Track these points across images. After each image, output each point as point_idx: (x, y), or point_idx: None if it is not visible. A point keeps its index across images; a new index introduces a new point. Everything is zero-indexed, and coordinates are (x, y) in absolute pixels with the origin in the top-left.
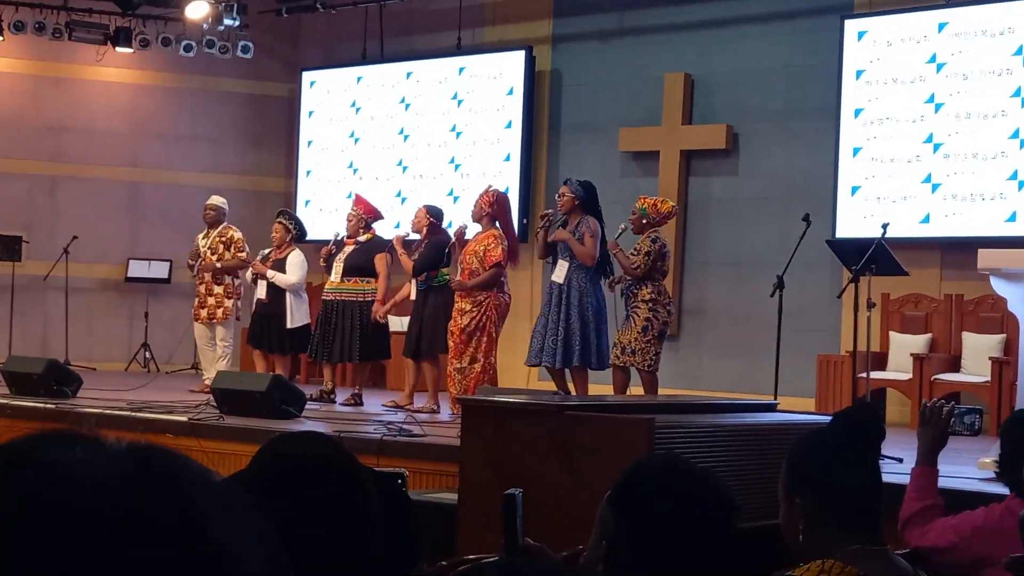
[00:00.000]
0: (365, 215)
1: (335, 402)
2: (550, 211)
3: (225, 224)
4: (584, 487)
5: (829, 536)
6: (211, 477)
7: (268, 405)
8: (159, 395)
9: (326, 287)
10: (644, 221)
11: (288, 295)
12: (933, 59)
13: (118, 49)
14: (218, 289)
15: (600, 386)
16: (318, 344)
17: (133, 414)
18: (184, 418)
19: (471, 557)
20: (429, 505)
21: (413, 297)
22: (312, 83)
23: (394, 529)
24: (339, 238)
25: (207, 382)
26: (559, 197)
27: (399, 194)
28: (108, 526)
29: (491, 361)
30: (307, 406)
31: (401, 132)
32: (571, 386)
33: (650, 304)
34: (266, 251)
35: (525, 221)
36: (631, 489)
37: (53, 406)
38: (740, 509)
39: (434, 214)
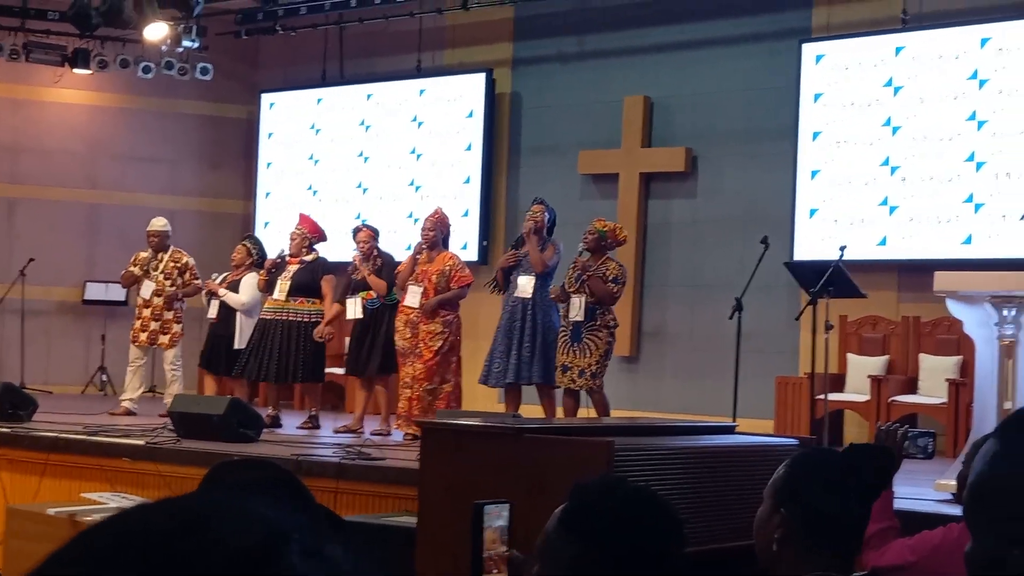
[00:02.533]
0: (310, 235)
1: (315, 424)
2: (520, 252)
3: (173, 248)
4: (544, 510)
5: (802, 554)
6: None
7: (226, 428)
8: (116, 419)
9: (267, 306)
10: (601, 243)
11: (238, 316)
12: (890, 83)
13: (76, 70)
14: (168, 315)
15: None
16: (248, 361)
17: (89, 438)
18: (141, 442)
19: None
20: (388, 528)
21: (359, 316)
22: (271, 105)
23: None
24: (283, 255)
25: (126, 405)
26: (531, 214)
27: (359, 215)
28: None
29: (459, 380)
30: (284, 432)
31: (361, 154)
32: (536, 408)
33: (611, 330)
34: (220, 274)
35: (485, 243)
36: (583, 517)
37: (8, 430)
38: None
39: (376, 235)
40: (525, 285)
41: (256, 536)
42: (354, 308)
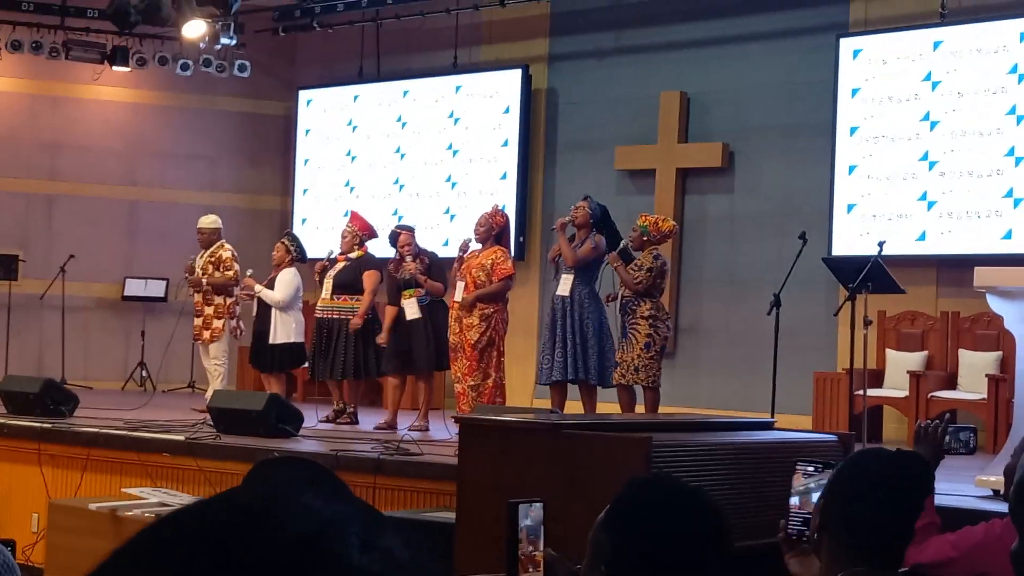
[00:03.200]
0: (361, 232)
1: (354, 420)
2: (567, 219)
3: (219, 243)
4: (582, 506)
5: (838, 548)
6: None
7: (265, 424)
8: (156, 414)
9: (318, 304)
10: (645, 239)
11: (274, 312)
12: (928, 77)
13: (115, 68)
14: (208, 310)
15: (603, 404)
16: (315, 362)
17: (130, 433)
18: (181, 437)
19: None
20: (426, 524)
21: (418, 315)
22: (309, 102)
23: None
24: (332, 255)
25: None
26: (575, 208)
27: (396, 212)
28: None
29: (501, 376)
30: (318, 426)
31: (397, 150)
32: (579, 404)
33: (650, 320)
34: (251, 270)
35: (521, 239)
36: (626, 513)
37: (50, 425)
38: (731, 527)
39: (413, 233)
40: (564, 284)
41: (314, 524)
42: (411, 309)
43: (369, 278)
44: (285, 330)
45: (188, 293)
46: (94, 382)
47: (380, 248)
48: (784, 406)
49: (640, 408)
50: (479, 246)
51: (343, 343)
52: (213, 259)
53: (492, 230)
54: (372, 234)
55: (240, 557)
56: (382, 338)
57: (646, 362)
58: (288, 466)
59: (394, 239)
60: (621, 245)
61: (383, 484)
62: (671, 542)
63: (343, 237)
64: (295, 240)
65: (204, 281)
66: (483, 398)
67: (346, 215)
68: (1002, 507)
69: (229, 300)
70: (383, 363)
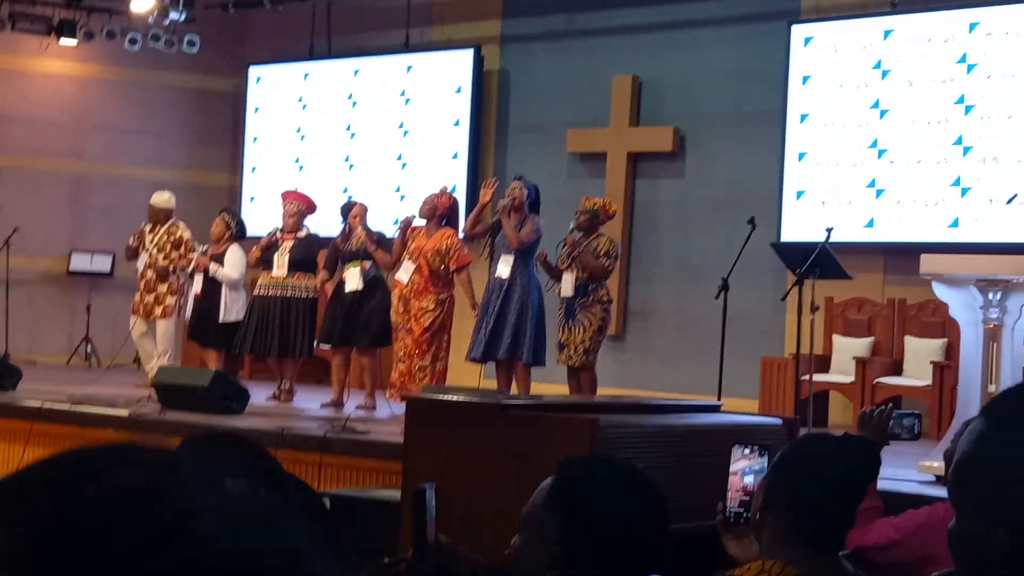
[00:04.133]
0: (307, 209)
1: (291, 398)
2: (506, 201)
3: (173, 221)
4: (528, 486)
5: (781, 531)
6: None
7: (211, 400)
8: (100, 389)
9: (262, 282)
10: (594, 221)
11: (224, 289)
12: (878, 65)
13: (62, 41)
14: (161, 287)
15: (547, 386)
16: (253, 339)
17: (74, 408)
18: (125, 412)
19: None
20: (372, 502)
21: (359, 287)
22: (258, 79)
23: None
24: (274, 234)
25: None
26: (510, 191)
27: (345, 190)
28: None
29: (447, 358)
30: (265, 404)
31: (348, 128)
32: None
33: (605, 305)
34: (203, 247)
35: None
36: (572, 491)
37: None
38: (669, 505)
39: (365, 211)
40: (504, 265)
41: (144, 476)
42: (353, 279)
43: (323, 256)
44: (235, 308)
45: (137, 266)
46: (38, 356)
47: (318, 225)
48: (731, 390)
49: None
50: (423, 222)
51: (298, 320)
52: (172, 238)
53: (436, 210)
54: (312, 208)
55: (63, 507)
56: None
57: (596, 345)
58: (215, 442)
59: (346, 210)
60: (572, 230)
61: (329, 462)
62: (618, 521)
63: (288, 216)
64: (235, 215)
65: (170, 267)
66: (429, 379)
67: (251, 199)
68: (944, 492)
69: (182, 278)
70: (321, 334)
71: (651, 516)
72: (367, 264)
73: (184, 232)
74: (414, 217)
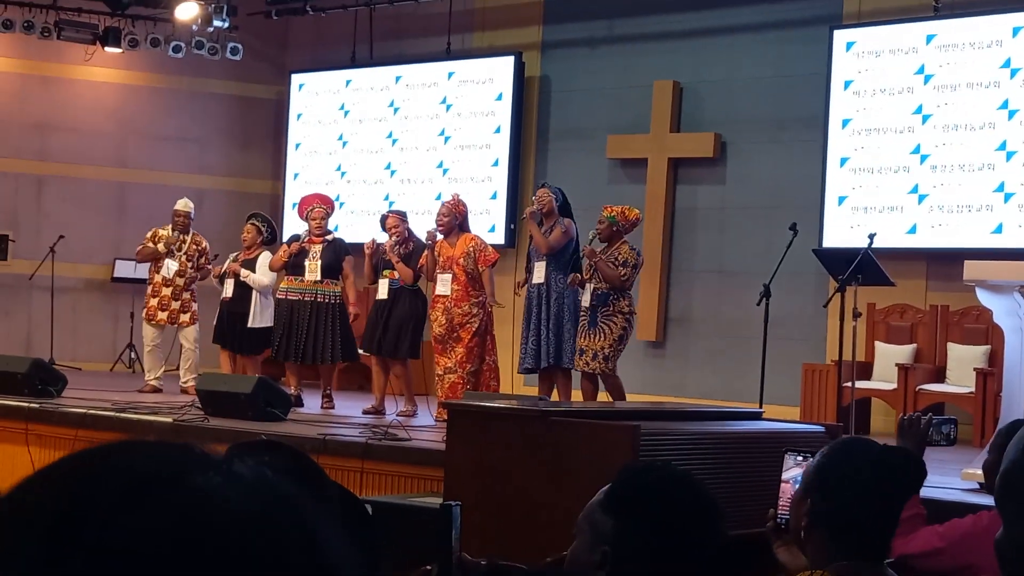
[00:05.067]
0: (331, 210)
1: (332, 404)
2: (536, 208)
3: (194, 231)
4: (568, 492)
5: (828, 543)
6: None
7: (254, 407)
8: (144, 396)
9: (290, 287)
10: (614, 229)
11: (255, 295)
12: (921, 70)
13: (107, 49)
14: (186, 294)
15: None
16: (284, 344)
17: (118, 414)
18: (169, 419)
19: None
20: (413, 509)
21: (385, 296)
22: (301, 86)
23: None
24: (300, 239)
25: (153, 383)
26: (538, 198)
27: (387, 197)
28: (247, 561)
29: (495, 359)
30: (306, 410)
31: (389, 136)
32: (555, 392)
33: (627, 316)
34: (235, 253)
35: (512, 226)
36: (629, 495)
37: (37, 405)
38: (725, 515)
39: (404, 217)
40: (538, 271)
41: (161, 463)
42: (383, 288)
43: (349, 264)
44: (265, 314)
45: (162, 279)
46: (83, 363)
47: (359, 234)
48: (772, 397)
49: (603, 396)
50: (440, 236)
51: (330, 326)
52: (199, 248)
53: (456, 219)
54: (334, 208)
55: (88, 492)
56: (352, 312)
57: (615, 352)
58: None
59: (383, 221)
60: (592, 240)
61: (371, 469)
62: (672, 526)
63: (315, 219)
64: (265, 220)
65: (199, 276)
66: (482, 382)
67: (339, 201)
68: (988, 500)
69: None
70: (363, 341)
71: (704, 523)
72: (395, 273)
73: (206, 243)
74: (436, 231)
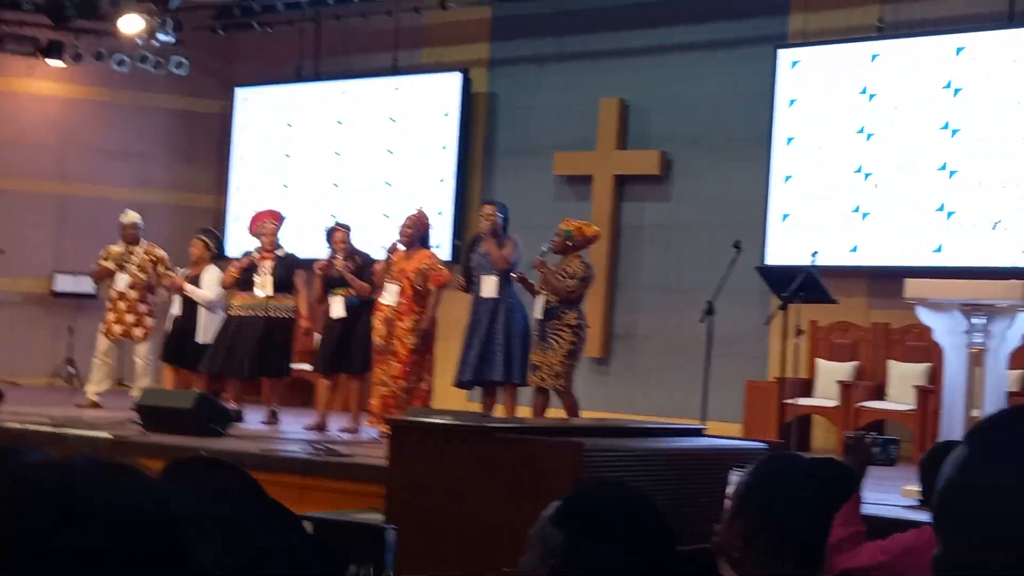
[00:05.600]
0: (279, 224)
1: (277, 420)
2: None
3: (146, 242)
4: (513, 508)
5: (766, 560)
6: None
7: (195, 422)
8: (82, 411)
9: (242, 303)
10: (568, 243)
11: (201, 311)
12: (865, 90)
13: (50, 62)
14: (142, 307)
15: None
16: (223, 359)
17: (56, 430)
18: (108, 435)
19: None
20: (355, 525)
21: (342, 315)
22: (245, 100)
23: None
24: (250, 255)
25: (93, 398)
26: (485, 216)
27: (332, 212)
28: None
29: (431, 380)
30: (248, 427)
31: (335, 150)
32: (500, 407)
33: (575, 329)
34: (183, 269)
35: (458, 243)
36: (581, 510)
37: None
38: (676, 533)
39: (349, 232)
40: (489, 285)
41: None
42: (337, 307)
43: (300, 278)
44: (212, 328)
45: (114, 291)
46: (21, 378)
47: (304, 248)
48: (716, 413)
49: (557, 412)
50: (402, 248)
51: (278, 340)
52: (152, 258)
53: (419, 231)
54: (282, 221)
55: None
56: (305, 326)
57: (567, 368)
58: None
59: (330, 235)
60: (543, 250)
61: (312, 485)
62: (623, 542)
63: (265, 234)
64: (213, 235)
65: (154, 285)
66: (417, 401)
67: (235, 219)
68: (927, 516)
69: (155, 299)
70: (316, 363)
71: (654, 540)
72: (351, 291)
73: (160, 251)
74: (396, 243)
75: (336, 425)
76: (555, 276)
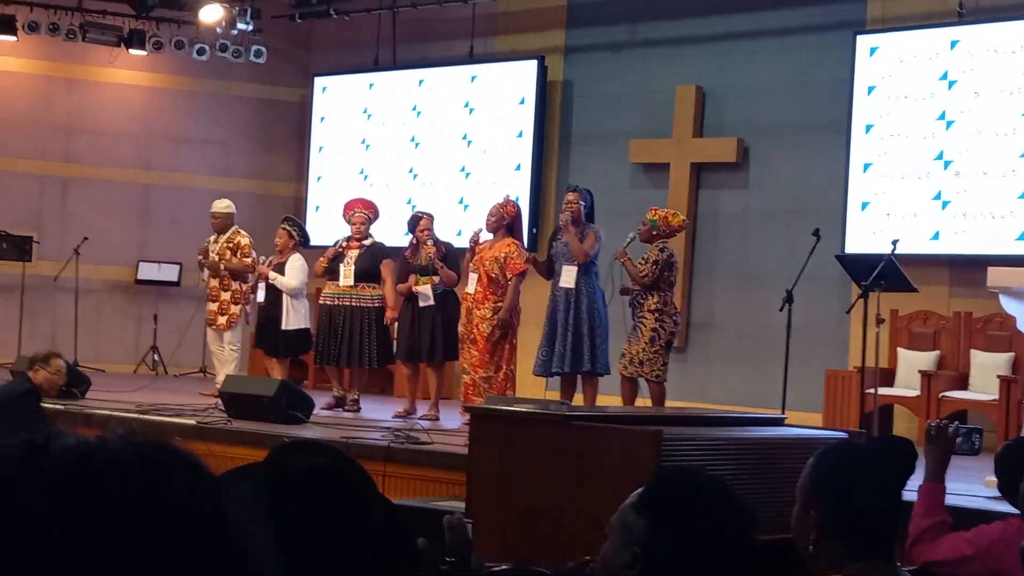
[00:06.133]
0: (373, 216)
1: (359, 408)
2: (567, 215)
3: (234, 228)
4: (591, 496)
5: (841, 551)
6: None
7: (276, 410)
8: (167, 397)
9: (328, 291)
10: (654, 232)
11: (286, 298)
12: (945, 76)
13: (131, 51)
14: (224, 295)
15: (604, 396)
16: (323, 349)
17: (141, 416)
18: (192, 421)
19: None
20: (436, 512)
21: (432, 303)
22: (324, 88)
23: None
24: (340, 244)
25: (218, 386)
26: (568, 204)
27: (409, 201)
28: (133, 505)
29: (513, 368)
30: (321, 413)
31: (412, 139)
32: (581, 396)
33: (656, 314)
34: (268, 257)
35: (535, 231)
36: (663, 497)
37: (62, 407)
38: (758, 522)
39: (433, 221)
40: (568, 275)
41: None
42: (426, 295)
43: (387, 268)
44: (297, 316)
45: (202, 277)
46: (106, 365)
47: (382, 236)
48: (795, 403)
49: (645, 402)
50: (490, 236)
51: (367, 330)
52: (230, 244)
53: (503, 220)
54: (377, 215)
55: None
56: (390, 317)
57: (651, 356)
58: (307, 451)
59: (414, 223)
60: (629, 239)
61: (393, 472)
62: (704, 529)
63: (356, 223)
64: (296, 224)
65: (222, 266)
66: (494, 389)
67: (316, 208)
68: (1012, 508)
69: (245, 286)
70: (396, 350)
71: (736, 528)
72: (436, 279)
73: (243, 238)
74: (481, 231)
75: (420, 412)
76: (631, 264)
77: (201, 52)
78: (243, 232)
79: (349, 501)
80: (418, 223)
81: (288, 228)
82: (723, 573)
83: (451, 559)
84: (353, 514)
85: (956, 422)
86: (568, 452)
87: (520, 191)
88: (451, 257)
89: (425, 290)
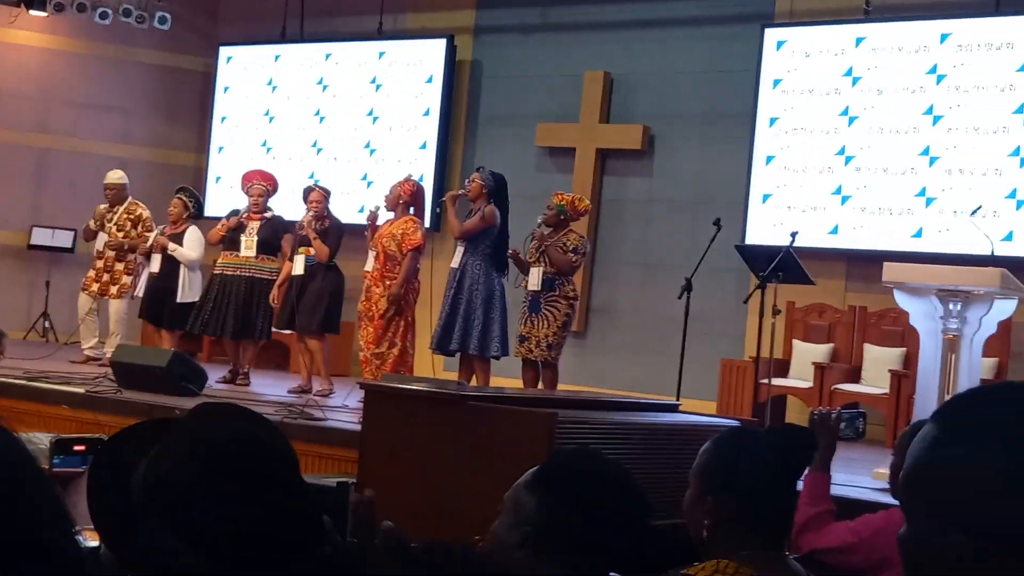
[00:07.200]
0: (272, 189)
1: (248, 382)
2: (461, 191)
3: (130, 200)
4: (484, 477)
5: (734, 538)
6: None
7: (168, 381)
8: (57, 366)
9: (225, 262)
10: (561, 217)
11: (183, 270)
12: (849, 72)
13: (31, 12)
14: (119, 266)
15: (504, 379)
16: (210, 317)
17: (29, 383)
18: (81, 390)
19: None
20: (323, 489)
21: (301, 272)
22: (229, 59)
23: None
24: (238, 213)
25: (88, 354)
26: (469, 182)
27: (312, 175)
28: None
29: (407, 346)
30: (215, 386)
31: (317, 113)
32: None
33: (571, 301)
34: (161, 227)
35: (438, 210)
36: (556, 477)
37: None
38: (653, 507)
39: (328, 196)
40: (456, 255)
41: None
42: (298, 264)
43: (287, 242)
44: (193, 289)
45: (96, 250)
46: None
47: (282, 209)
48: (690, 391)
49: (539, 384)
50: (391, 215)
51: (259, 302)
52: (131, 216)
53: (400, 198)
54: (276, 188)
55: None
56: (274, 293)
57: (559, 340)
58: (230, 414)
59: (306, 195)
60: (540, 225)
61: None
62: (596, 510)
63: (254, 195)
64: (193, 195)
65: (126, 244)
66: (386, 367)
67: (216, 179)
68: (896, 500)
69: (140, 258)
70: (278, 320)
71: (628, 510)
72: (311, 250)
73: (143, 211)
74: (378, 208)
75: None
76: (557, 250)
77: (104, 16)
78: (141, 204)
79: (283, 475)
80: (309, 195)
81: (183, 198)
82: (615, 556)
83: (355, 539)
84: (291, 488)
85: (840, 408)
86: (462, 432)
87: (425, 170)
88: (332, 233)
89: (298, 260)
